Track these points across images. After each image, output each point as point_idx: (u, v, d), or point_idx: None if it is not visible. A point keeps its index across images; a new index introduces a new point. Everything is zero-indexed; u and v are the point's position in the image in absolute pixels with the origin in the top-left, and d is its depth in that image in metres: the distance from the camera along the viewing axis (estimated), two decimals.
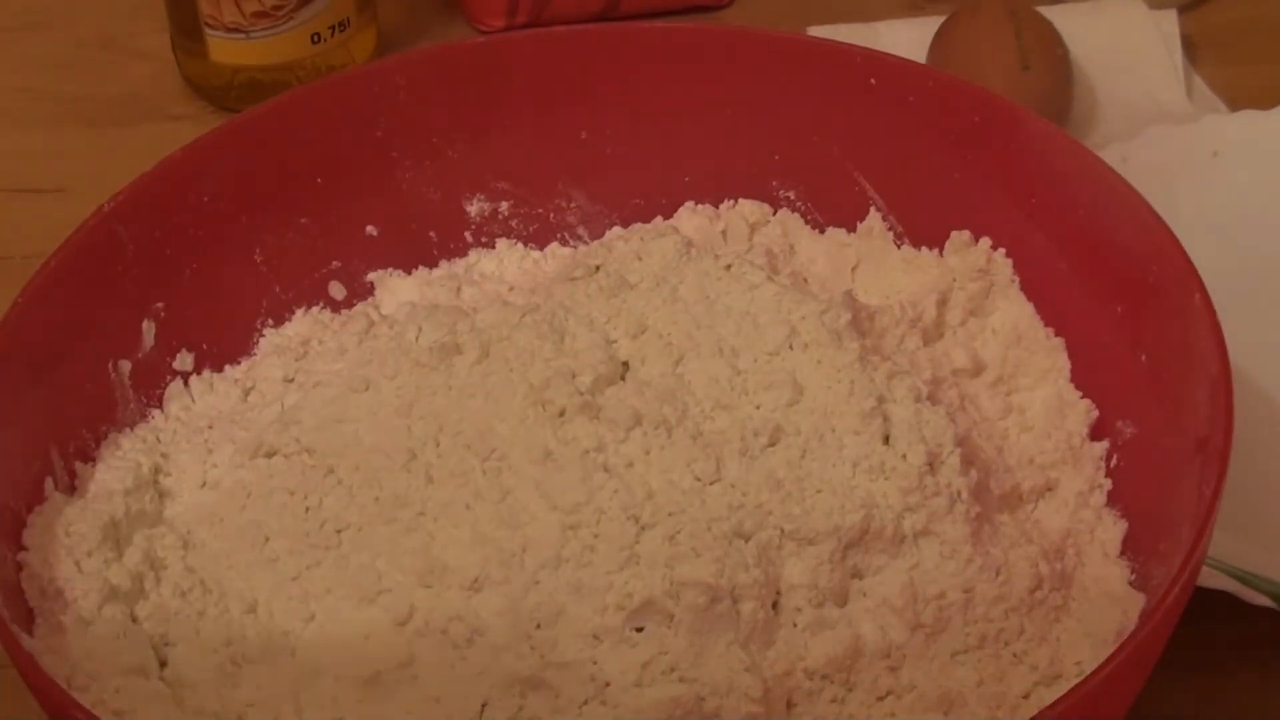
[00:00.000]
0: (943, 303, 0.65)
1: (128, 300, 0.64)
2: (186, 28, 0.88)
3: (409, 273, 0.70)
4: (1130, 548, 0.58)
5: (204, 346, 0.66)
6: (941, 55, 0.84)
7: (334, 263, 0.69)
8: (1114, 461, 0.60)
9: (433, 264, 0.70)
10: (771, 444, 0.57)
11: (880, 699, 0.55)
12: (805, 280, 0.67)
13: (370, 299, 0.69)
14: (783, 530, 0.55)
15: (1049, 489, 0.61)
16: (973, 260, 0.65)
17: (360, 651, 0.54)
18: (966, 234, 0.66)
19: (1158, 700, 0.55)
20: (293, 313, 0.68)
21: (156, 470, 0.61)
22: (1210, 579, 0.61)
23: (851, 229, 0.69)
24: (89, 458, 0.61)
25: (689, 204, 0.70)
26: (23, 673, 0.51)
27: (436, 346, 0.60)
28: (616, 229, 0.70)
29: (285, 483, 0.58)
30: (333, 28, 0.88)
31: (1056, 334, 0.64)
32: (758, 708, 0.53)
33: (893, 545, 0.56)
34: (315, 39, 0.88)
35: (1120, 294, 0.61)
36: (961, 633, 0.56)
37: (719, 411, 0.58)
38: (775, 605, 0.55)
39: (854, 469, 0.57)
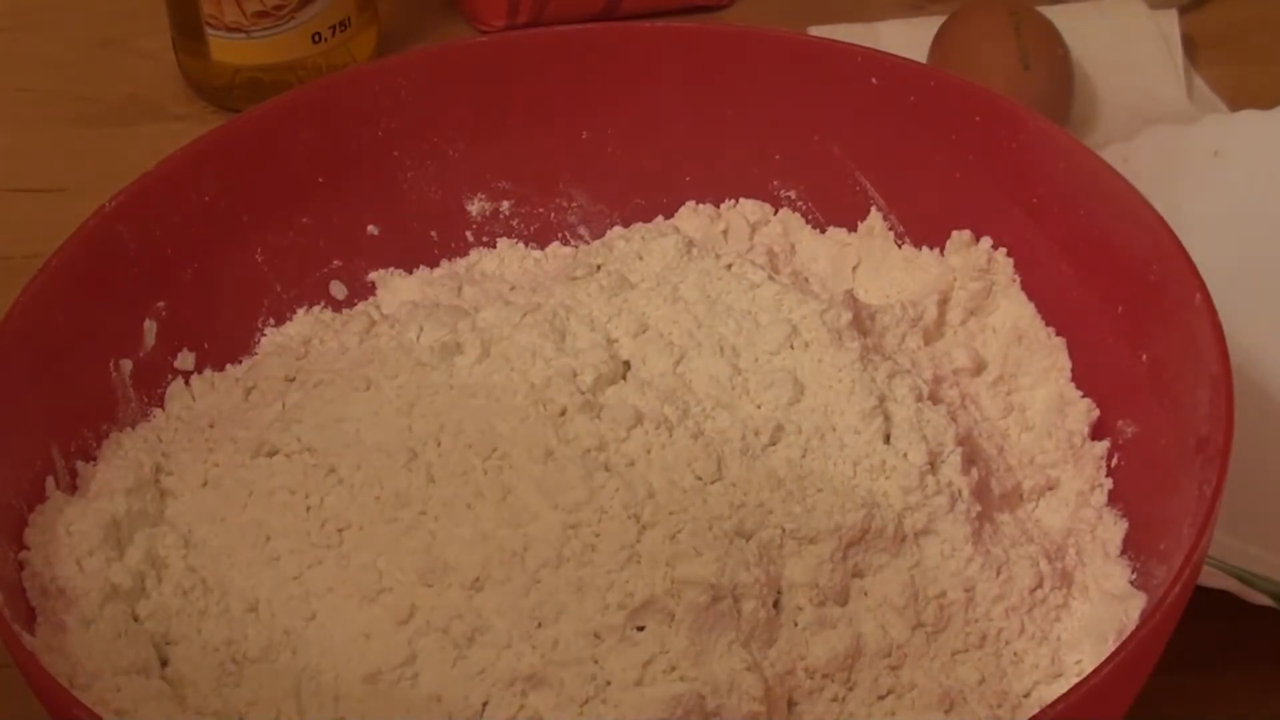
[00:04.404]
0: (943, 302, 0.65)
1: (129, 299, 0.64)
2: (187, 27, 0.89)
3: (410, 272, 0.70)
4: (1131, 547, 0.58)
5: (205, 346, 0.66)
6: (942, 55, 0.84)
7: (335, 262, 0.69)
8: (1115, 461, 0.61)
9: (434, 263, 0.70)
10: (772, 443, 0.57)
11: (881, 698, 0.55)
12: (806, 280, 0.67)
13: (371, 298, 0.69)
14: (784, 529, 0.55)
15: (1050, 488, 0.61)
16: (973, 260, 0.65)
17: (361, 650, 0.54)
18: (967, 233, 0.66)
19: (1158, 700, 0.55)
20: (294, 312, 0.68)
21: (158, 469, 0.61)
22: (1210, 578, 0.61)
23: (852, 228, 0.69)
24: (90, 457, 0.61)
25: (690, 203, 0.70)
26: (24, 671, 0.51)
27: (438, 346, 0.60)
28: (617, 228, 0.71)
29: (286, 482, 0.58)
30: (334, 27, 0.88)
31: (1057, 333, 0.64)
32: (759, 707, 0.53)
33: (894, 544, 0.56)
34: (316, 39, 0.88)
35: (1121, 293, 0.61)
36: (962, 631, 0.56)
37: (720, 410, 0.58)
38: (776, 604, 0.55)
39: (855, 468, 0.57)
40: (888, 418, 0.58)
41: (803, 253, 0.69)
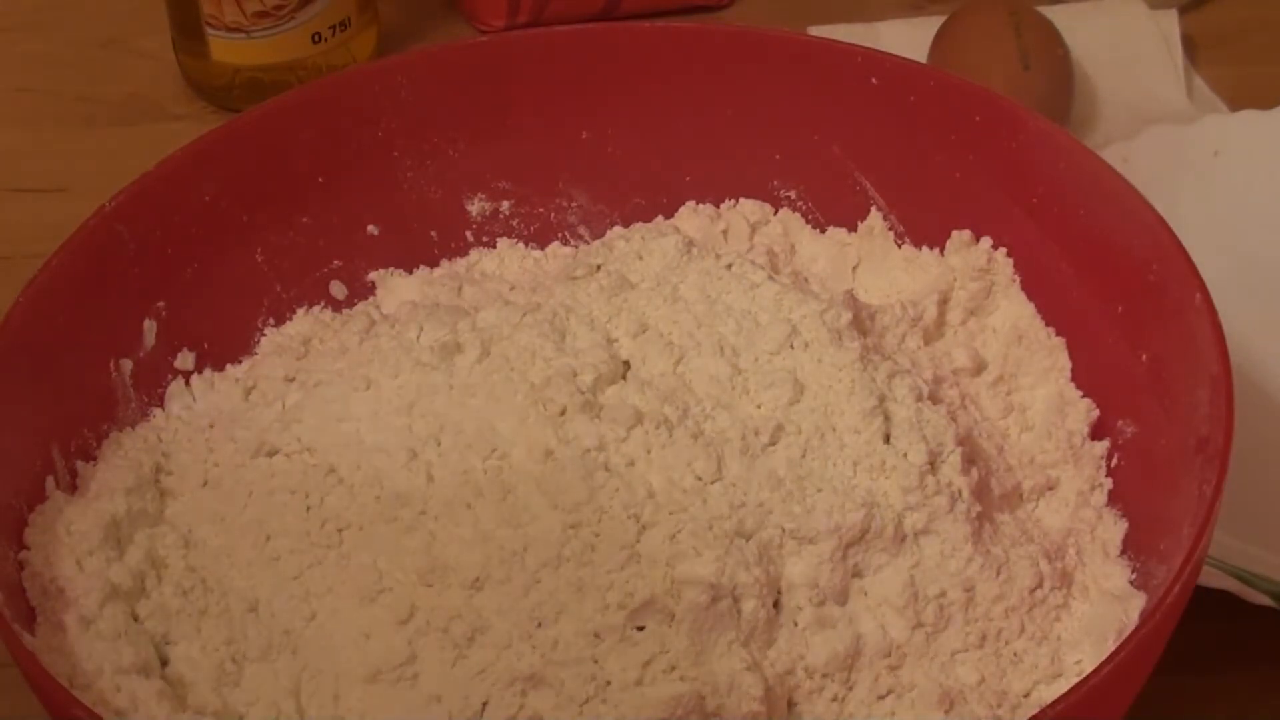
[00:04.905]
0: (943, 302, 0.65)
1: (129, 299, 0.64)
2: (187, 27, 0.89)
3: (410, 272, 0.70)
4: (1131, 547, 0.58)
5: (205, 345, 0.66)
6: (942, 55, 0.84)
7: (335, 262, 0.69)
8: (1115, 461, 0.61)
9: (434, 263, 0.70)
10: (772, 443, 0.57)
11: (881, 698, 0.55)
12: (806, 280, 0.67)
13: (371, 298, 0.69)
14: (784, 529, 0.55)
15: (1050, 488, 0.61)
16: (973, 260, 0.65)
17: (361, 650, 0.54)
18: (967, 233, 0.66)
19: (1158, 700, 0.55)
20: (294, 312, 0.68)
21: (158, 469, 0.61)
22: (1210, 578, 0.61)
23: (852, 228, 0.69)
24: (90, 457, 0.61)
25: (690, 203, 0.70)
26: (24, 671, 0.51)
27: (438, 346, 0.60)
28: (617, 228, 0.70)
29: (286, 482, 0.58)
30: (334, 27, 0.88)
31: (1057, 333, 0.64)
32: (759, 706, 0.53)
33: (894, 544, 0.56)
34: (316, 39, 0.88)
35: (1121, 293, 0.61)
36: (962, 631, 0.56)
37: (720, 410, 0.58)
38: (776, 604, 0.55)
39: (855, 468, 0.57)
40: (888, 418, 0.58)
41: (803, 253, 0.69)
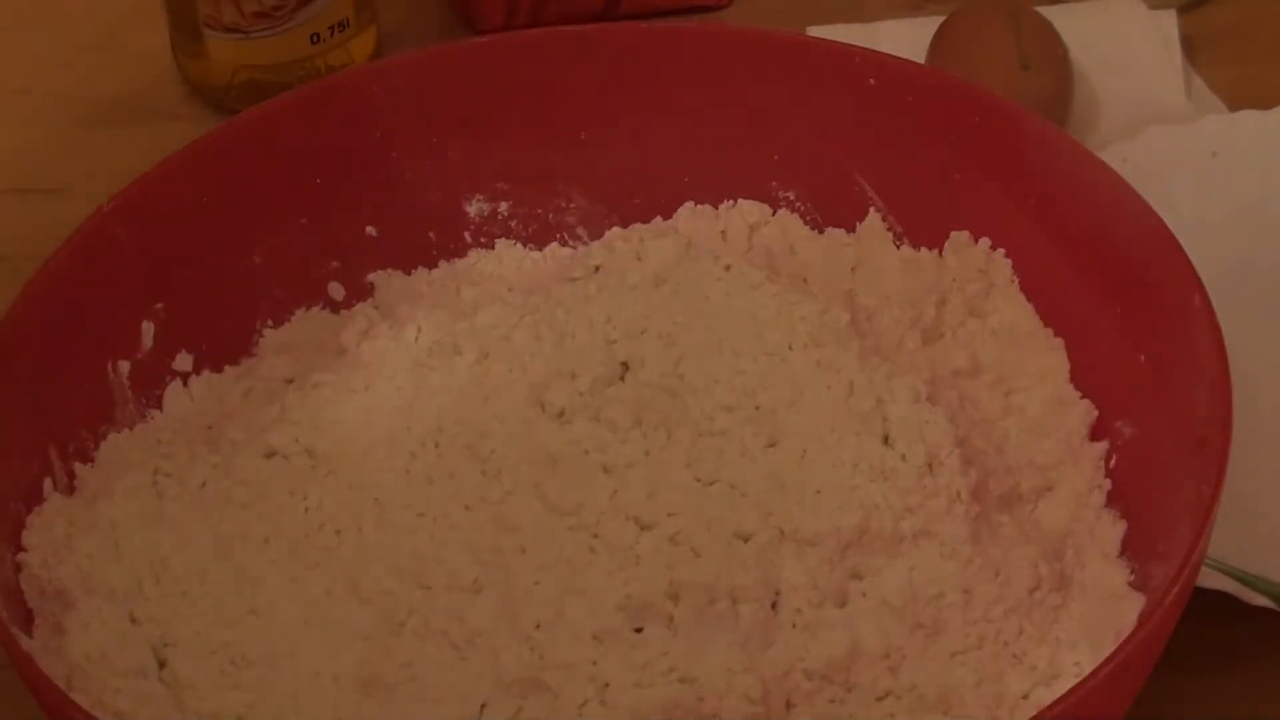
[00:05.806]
0: (942, 303, 0.65)
1: (127, 301, 0.64)
2: (186, 28, 0.88)
3: (408, 273, 0.70)
4: (1129, 548, 0.58)
5: (203, 347, 0.66)
6: (941, 55, 0.84)
7: (333, 263, 0.69)
8: (1113, 462, 0.60)
9: (432, 264, 0.70)
10: (771, 444, 0.57)
11: (879, 699, 0.55)
12: (805, 281, 0.67)
13: (370, 299, 0.69)
14: (782, 531, 0.55)
15: (1048, 489, 0.61)
16: (972, 260, 0.65)
17: (359, 652, 0.54)
18: (966, 234, 0.66)
19: (1158, 700, 0.55)
20: (292, 313, 0.68)
21: (156, 470, 0.61)
22: (1210, 579, 0.61)
23: (851, 229, 0.69)
24: (88, 458, 0.61)
25: (689, 204, 0.70)
26: (22, 673, 0.51)
27: (436, 347, 0.60)
28: (616, 229, 0.70)
29: (285, 483, 0.58)
30: (332, 28, 0.88)
31: (1056, 334, 0.64)
32: (757, 708, 0.53)
33: (892, 546, 0.56)
34: (315, 39, 0.88)
35: (1120, 294, 0.61)
36: (960, 633, 0.55)
37: (719, 412, 0.58)
38: (774, 606, 0.55)
39: (853, 469, 0.57)
40: (886, 419, 0.58)
41: (801, 254, 0.69)
